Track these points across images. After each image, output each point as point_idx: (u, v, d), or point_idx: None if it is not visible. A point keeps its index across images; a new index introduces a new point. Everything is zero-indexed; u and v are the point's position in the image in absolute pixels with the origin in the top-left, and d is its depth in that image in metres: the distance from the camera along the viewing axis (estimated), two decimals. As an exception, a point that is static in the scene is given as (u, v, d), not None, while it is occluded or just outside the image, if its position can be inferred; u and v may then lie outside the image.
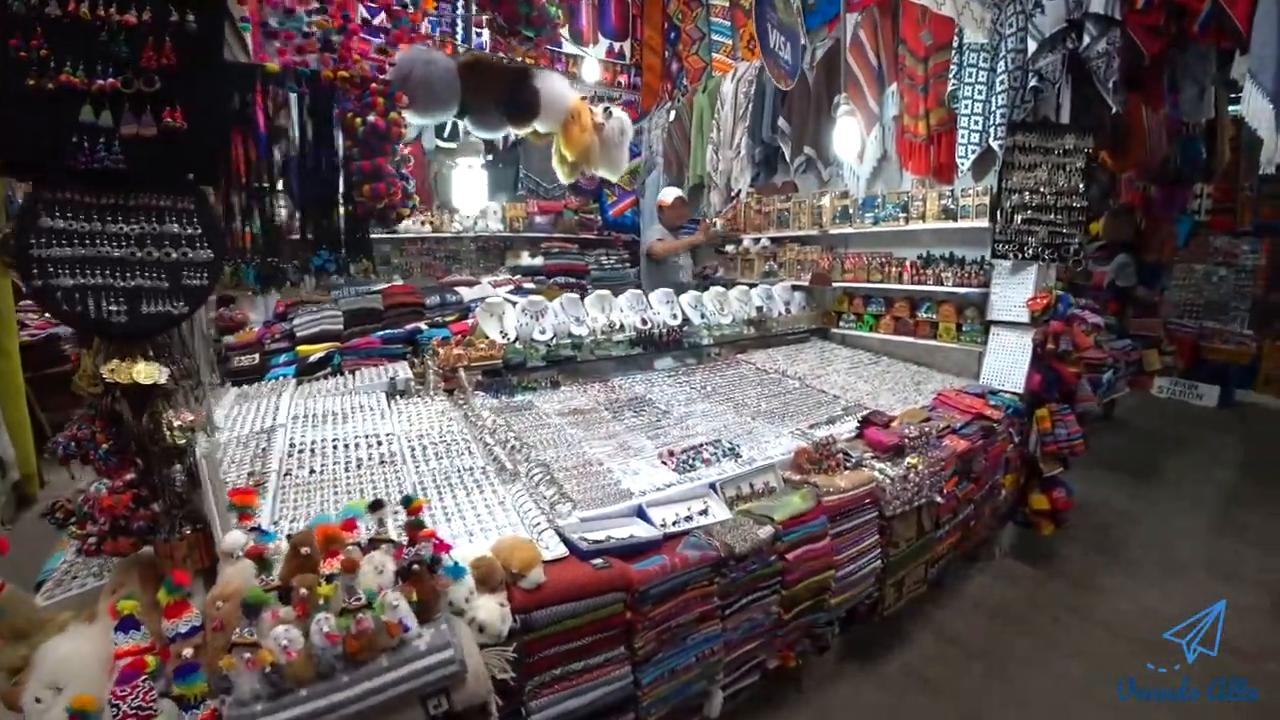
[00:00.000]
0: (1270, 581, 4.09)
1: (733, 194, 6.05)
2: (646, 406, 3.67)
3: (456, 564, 1.91)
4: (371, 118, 2.22)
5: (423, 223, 6.53)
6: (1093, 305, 6.83)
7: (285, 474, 2.53)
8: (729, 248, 6.06)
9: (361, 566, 1.73)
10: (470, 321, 4.07)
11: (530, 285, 6.09)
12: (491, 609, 1.91)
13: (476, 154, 6.95)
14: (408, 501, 2.00)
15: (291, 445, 2.75)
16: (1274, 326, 7.97)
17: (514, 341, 3.89)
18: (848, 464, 3.09)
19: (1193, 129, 6.03)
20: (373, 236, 2.35)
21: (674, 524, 2.53)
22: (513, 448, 2.85)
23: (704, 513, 2.65)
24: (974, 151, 4.04)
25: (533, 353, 3.90)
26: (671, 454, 2.99)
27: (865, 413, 3.56)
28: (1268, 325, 8.02)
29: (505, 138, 6.85)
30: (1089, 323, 6.41)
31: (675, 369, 4.34)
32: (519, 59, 3.00)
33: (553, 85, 2.96)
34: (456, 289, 5.31)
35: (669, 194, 6.08)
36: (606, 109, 3.17)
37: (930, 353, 4.66)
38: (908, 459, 3.15)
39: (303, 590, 1.64)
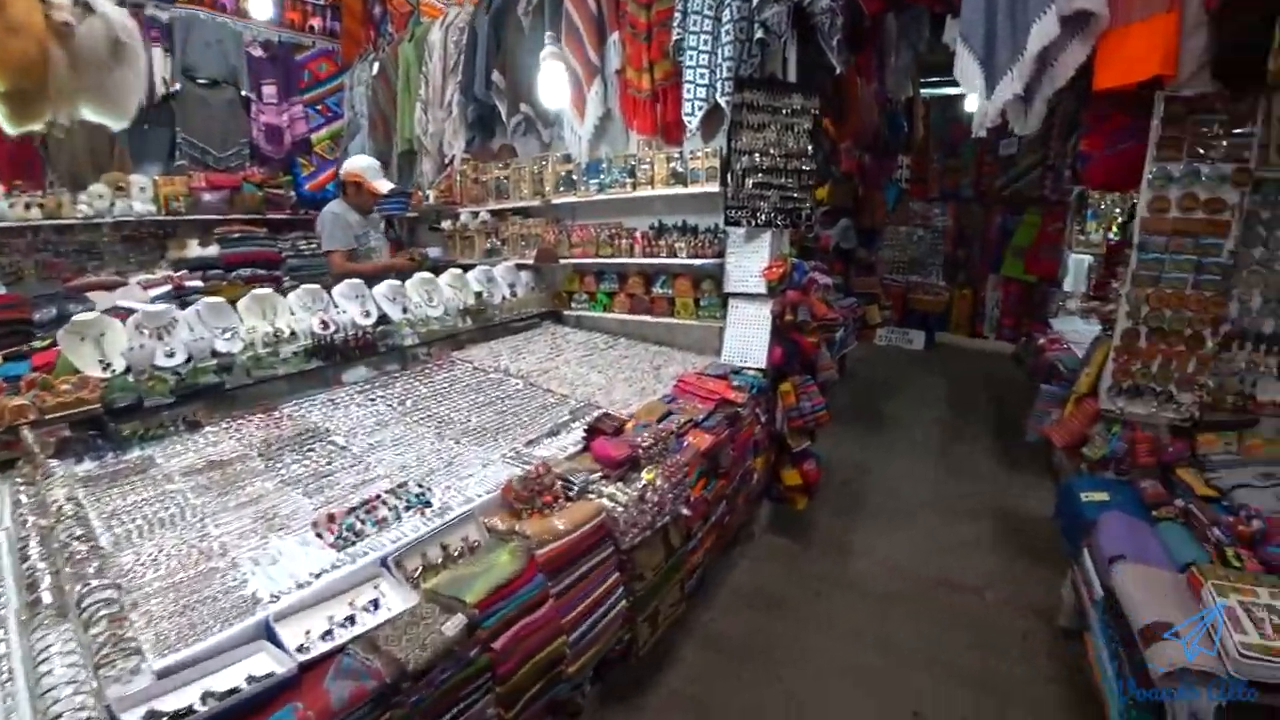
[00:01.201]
0: (974, 509, 4.49)
1: (446, 161, 5.13)
2: (319, 443, 2.72)
3: None
4: None
5: (28, 206, 4.77)
6: (821, 267, 6.97)
7: None
8: (444, 224, 5.15)
9: None
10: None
11: (197, 283, 4.71)
12: None
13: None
14: None
15: None
16: (959, 278, 8.97)
17: (123, 374, 2.72)
18: (569, 493, 2.44)
19: (896, 105, 6.32)
20: None
21: (321, 639, 1.69)
22: (71, 558, 1.80)
23: (373, 606, 1.84)
24: (700, 108, 3.56)
25: (155, 387, 2.74)
26: (332, 520, 2.12)
27: (595, 415, 2.95)
28: (955, 277, 9.02)
29: (151, 88, 5.27)
30: (821, 284, 6.51)
31: (370, 381, 3.39)
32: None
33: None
34: (89, 294, 4.04)
35: (356, 164, 4.42)
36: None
37: (671, 331, 4.21)
38: (643, 475, 2.58)
39: None
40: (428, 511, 2.28)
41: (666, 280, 4.09)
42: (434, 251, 5.45)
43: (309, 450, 2.68)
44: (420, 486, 2.43)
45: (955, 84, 8.34)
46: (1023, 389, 6.76)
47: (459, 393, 3.37)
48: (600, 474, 2.58)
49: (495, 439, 2.92)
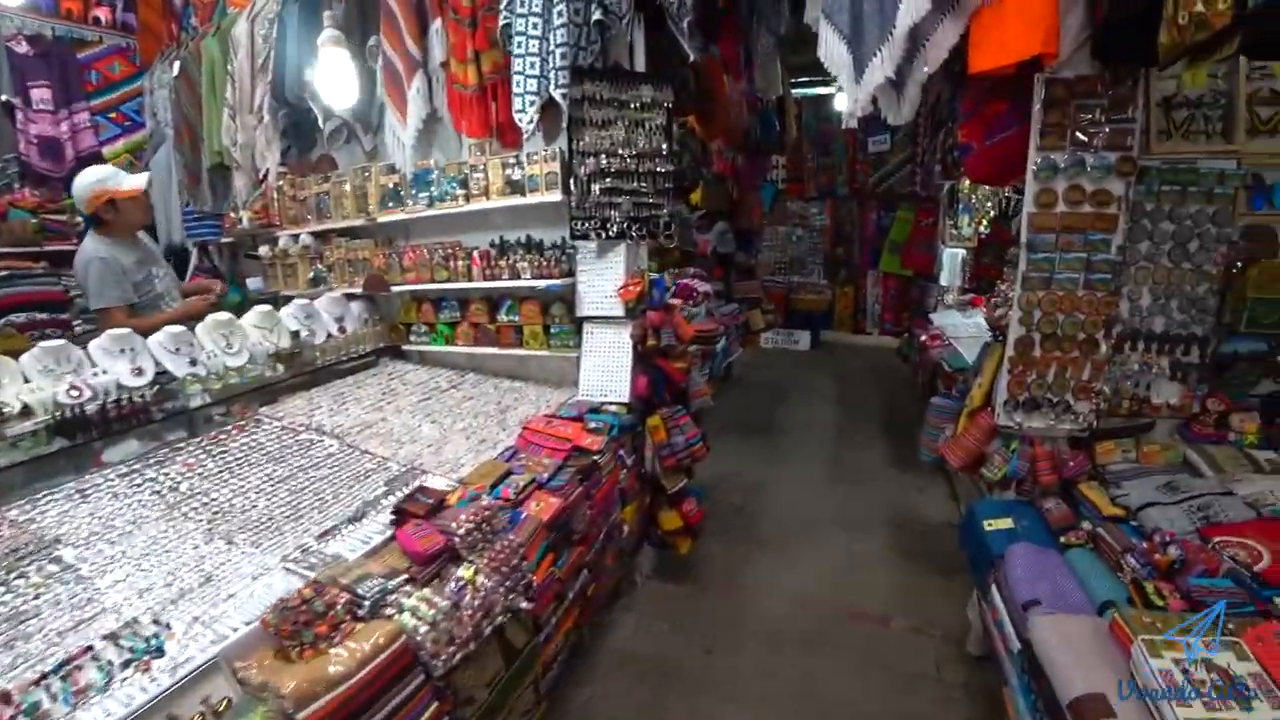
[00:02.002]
0: (874, 519, 4.24)
1: (260, 176, 4.30)
2: (37, 562, 1.92)
3: None
4: None
5: None
6: (701, 273, 6.56)
7: None
8: (262, 250, 4.32)
9: None
10: None
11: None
12: None
13: None
14: None
15: None
16: (840, 276, 8.84)
17: None
18: (359, 611, 1.79)
19: (767, 104, 6.01)
20: None
21: None
22: None
23: None
24: (532, 103, 2.95)
25: None
26: (8, 700, 1.38)
27: (410, 490, 2.29)
28: (836, 275, 8.87)
29: None
30: (700, 291, 6.08)
31: (142, 459, 2.57)
32: None
33: None
34: None
35: (90, 179, 3.24)
36: None
37: (524, 363, 3.59)
38: (460, 571, 1.95)
39: None
40: (158, 665, 1.58)
41: (512, 306, 3.46)
42: (254, 283, 4.60)
43: (18, 576, 1.90)
44: (157, 624, 1.72)
45: (826, 84, 8.28)
46: (909, 383, 6.72)
47: (253, 465, 2.63)
48: (405, 575, 1.93)
49: (281, 532, 2.22)
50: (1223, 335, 2.74)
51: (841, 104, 8.07)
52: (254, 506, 2.36)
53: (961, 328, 5.79)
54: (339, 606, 1.77)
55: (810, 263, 8.91)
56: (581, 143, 3.00)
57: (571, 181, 3.03)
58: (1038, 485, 2.71)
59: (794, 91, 7.65)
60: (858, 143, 8.28)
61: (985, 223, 6.01)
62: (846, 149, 8.41)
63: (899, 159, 8.11)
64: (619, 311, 3.14)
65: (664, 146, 3.04)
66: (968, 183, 6.01)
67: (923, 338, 5.98)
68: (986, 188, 5.65)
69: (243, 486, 2.48)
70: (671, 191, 3.10)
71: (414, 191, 3.58)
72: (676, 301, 5.46)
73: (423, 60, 3.46)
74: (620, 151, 3.00)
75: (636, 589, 3.54)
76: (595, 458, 2.70)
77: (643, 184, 3.04)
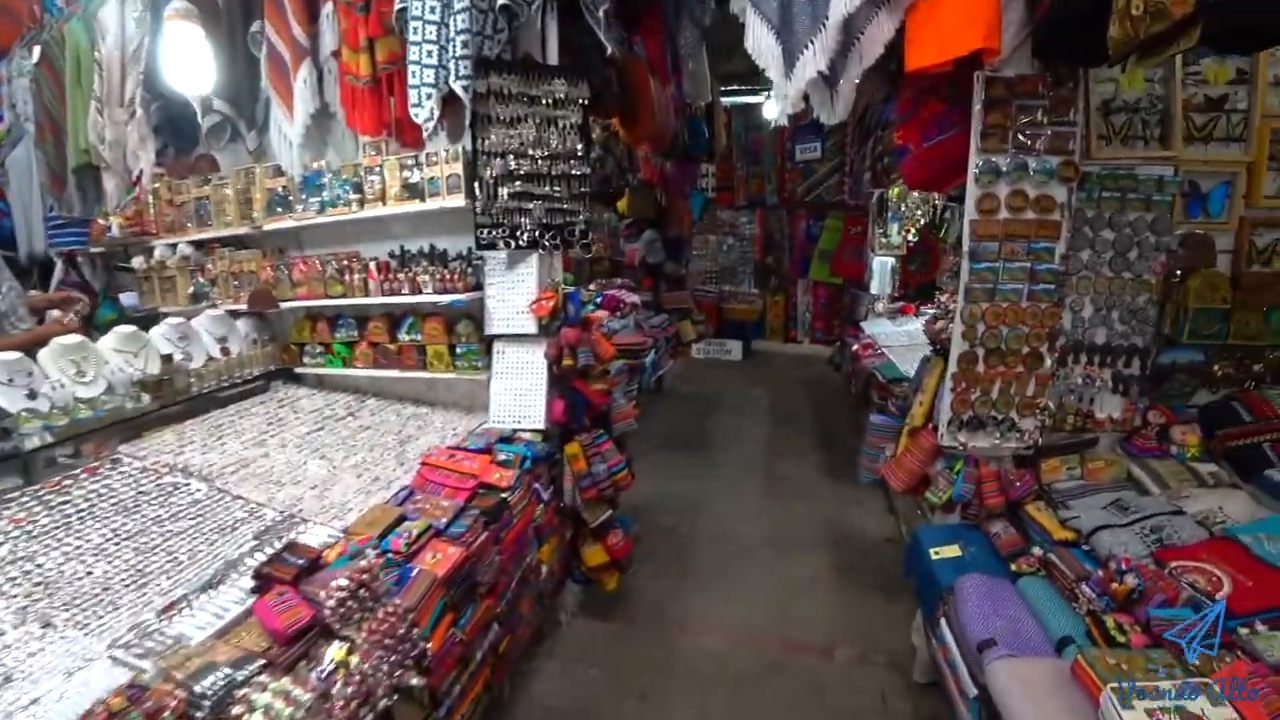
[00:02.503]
0: (812, 538, 4.01)
1: (133, 177, 3.78)
2: None
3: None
4: None
5: None
6: (629, 284, 6.29)
7: None
8: (135, 261, 3.80)
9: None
10: None
11: None
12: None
13: None
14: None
15: None
16: (771, 285, 8.73)
17: None
18: (198, 715, 1.40)
19: (696, 110, 5.81)
20: None
21: None
22: None
23: None
24: (430, 96, 2.59)
25: None
26: None
27: (280, 547, 1.90)
28: (767, 284, 8.78)
29: None
30: (627, 302, 5.79)
31: None
32: None
33: None
34: None
35: None
36: None
37: (432, 386, 3.21)
38: (331, 652, 1.59)
39: None
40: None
41: (414, 323, 3.07)
42: (129, 298, 4.06)
43: None
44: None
45: (755, 92, 8.16)
46: (840, 392, 6.63)
47: (98, 517, 2.19)
48: (261, 661, 1.56)
49: (116, 606, 1.82)
50: (1161, 346, 2.63)
51: (771, 111, 7.98)
52: (89, 573, 1.94)
53: (893, 336, 5.70)
54: (168, 714, 1.39)
55: (741, 272, 8.76)
56: (487, 142, 2.66)
57: (476, 185, 2.69)
58: (984, 508, 2.52)
59: (724, 100, 7.54)
60: (786, 152, 8.18)
61: (914, 231, 5.95)
62: (775, 158, 8.31)
63: (827, 168, 8.05)
64: (532, 329, 2.81)
65: (579, 147, 2.74)
66: (896, 191, 5.94)
67: (855, 347, 5.85)
68: (916, 195, 5.58)
69: (79, 547, 2.04)
70: (588, 196, 2.79)
71: (304, 196, 3.16)
72: (600, 314, 5.20)
73: (311, 48, 3.06)
74: (531, 152, 2.68)
75: (561, 630, 3.21)
76: (504, 495, 2.36)
77: (556, 188, 2.72)
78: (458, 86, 2.54)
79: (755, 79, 8.49)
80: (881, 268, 6.64)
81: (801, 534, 4.07)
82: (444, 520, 2.12)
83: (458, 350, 2.99)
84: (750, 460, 5.26)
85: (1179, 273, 2.52)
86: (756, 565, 3.72)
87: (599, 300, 5.74)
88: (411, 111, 2.61)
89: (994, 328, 2.38)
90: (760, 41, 2.29)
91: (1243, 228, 2.57)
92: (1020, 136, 2.26)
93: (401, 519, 2.12)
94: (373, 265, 3.00)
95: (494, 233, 2.68)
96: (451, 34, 2.56)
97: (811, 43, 2.22)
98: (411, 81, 2.61)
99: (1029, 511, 2.49)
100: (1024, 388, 2.48)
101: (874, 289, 6.59)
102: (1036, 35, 2.21)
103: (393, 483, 2.45)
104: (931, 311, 2.70)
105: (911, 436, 2.75)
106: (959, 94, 2.40)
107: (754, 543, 3.96)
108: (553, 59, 2.79)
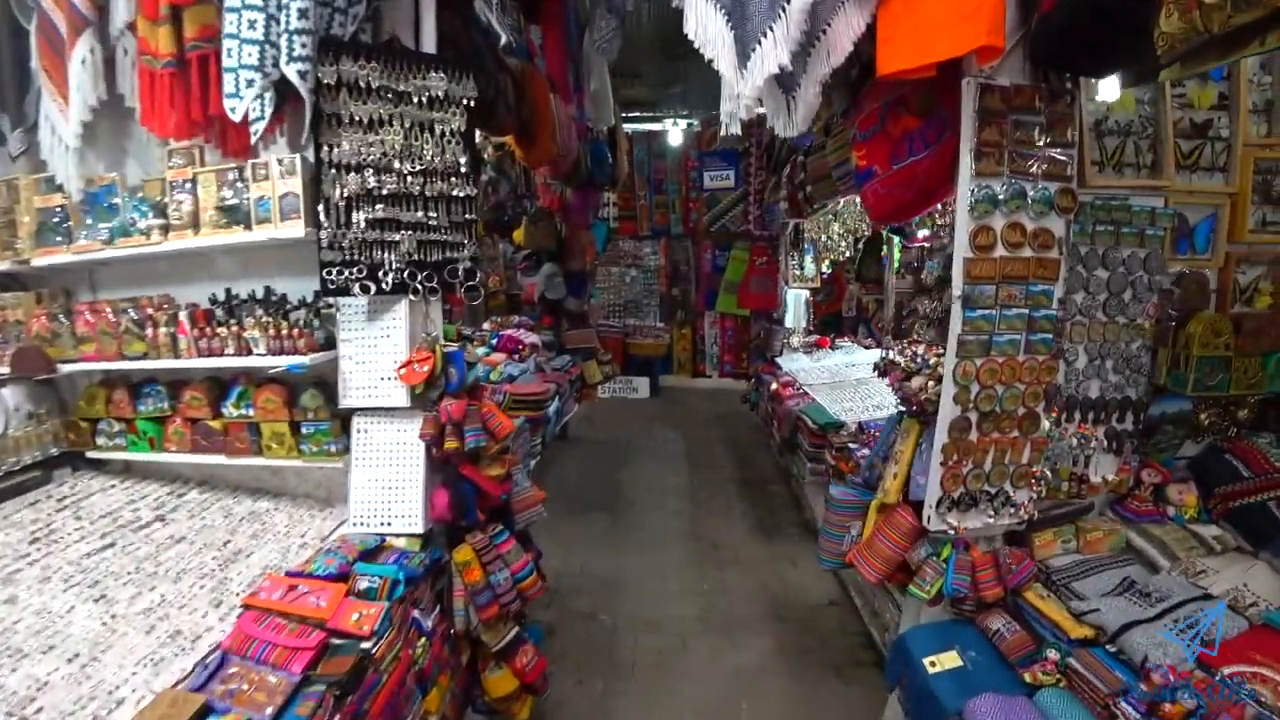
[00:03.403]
0: (752, 615, 3.48)
1: None
2: None
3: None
4: None
5: None
6: (527, 322, 5.61)
7: None
8: None
9: None
10: None
11: None
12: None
13: None
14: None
15: None
16: (677, 317, 8.31)
17: None
18: None
19: (598, 135, 5.27)
20: None
21: None
22: None
23: None
24: (251, 83, 1.86)
25: None
26: None
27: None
28: (673, 317, 8.36)
29: None
30: (527, 344, 5.11)
31: None
32: None
33: None
34: None
35: None
36: None
37: (278, 474, 2.41)
38: None
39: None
40: None
41: (244, 393, 2.27)
42: None
43: None
44: None
45: (658, 119, 7.77)
46: (758, 430, 6.21)
47: None
48: None
49: None
50: (1152, 397, 2.29)
51: (677, 138, 7.61)
52: None
53: (813, 373, 5.33)
54: None
55: (646, 305, 8.28)
56: (337, 150, 1.96)
57: (322, 208, 1.98)
58: (981, 600, 2.05)
59: (626, 126, 7.13)
60: (691, 180, 7.85)
61: (828, 263, 5.65)
62: (680, 186, 7.96)
63: (731, 198, 7.76)
64: (402, 400, 2.10)
65: (463, 161, 2.09)
66: (808, 222, 5.62)
67: (773, 385, 5.44)
68: (837, 228, 5.26)
69: None
70: (475, 225, 2.13)
71: (88, 220, 2.31)
72: (496, 358, 4.50)
73: (97, 18, 2.25)
74: (398, 165, 2.00)
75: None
76: (367, 647, 1.63)
77: (432, 213, 2.06)
78: (292, 71, 1.84)
79: (657, 105, 8.23)
80: (795, 300, 6.31)
81: (739, 609, 3.51)
82: (269, 712, 1.38)
83: (303, 429, 2.22)
84: (671, 520, 4.68)
85: (1172, 315, 2.19)
86: (696, 656, 3.12)
87: (494, 342, 5.03)
88: (226, 105, 1.87)
89: (989, 387, 1.92)
90: (707, 24, 1.75)
91: (1228, 264, 2.28)
92: (1017, 158, 1.83)
93: (208, 710, 1.36)
94: (184, 316, 2.19)
95: (347, 273, 1.97)
96: (284, 1, 1.86)
97: (770, 30, 1.70)
98: (227, 63, 1.88)
99: (1031, 600, 2.05)
100: (1019, 454, 2.04)
101: (788, 322, 6.24)
102: (1033, 38, 1.81)
103: (201, 637, 1.66)
104: (897, 360, 2.22)
105: (884, 514, 2.25)
106: (936, 107, 1.96)
107: (689, 626, 3.35)
108: (429, 46, 2.13)
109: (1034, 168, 1.83)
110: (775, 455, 5.46)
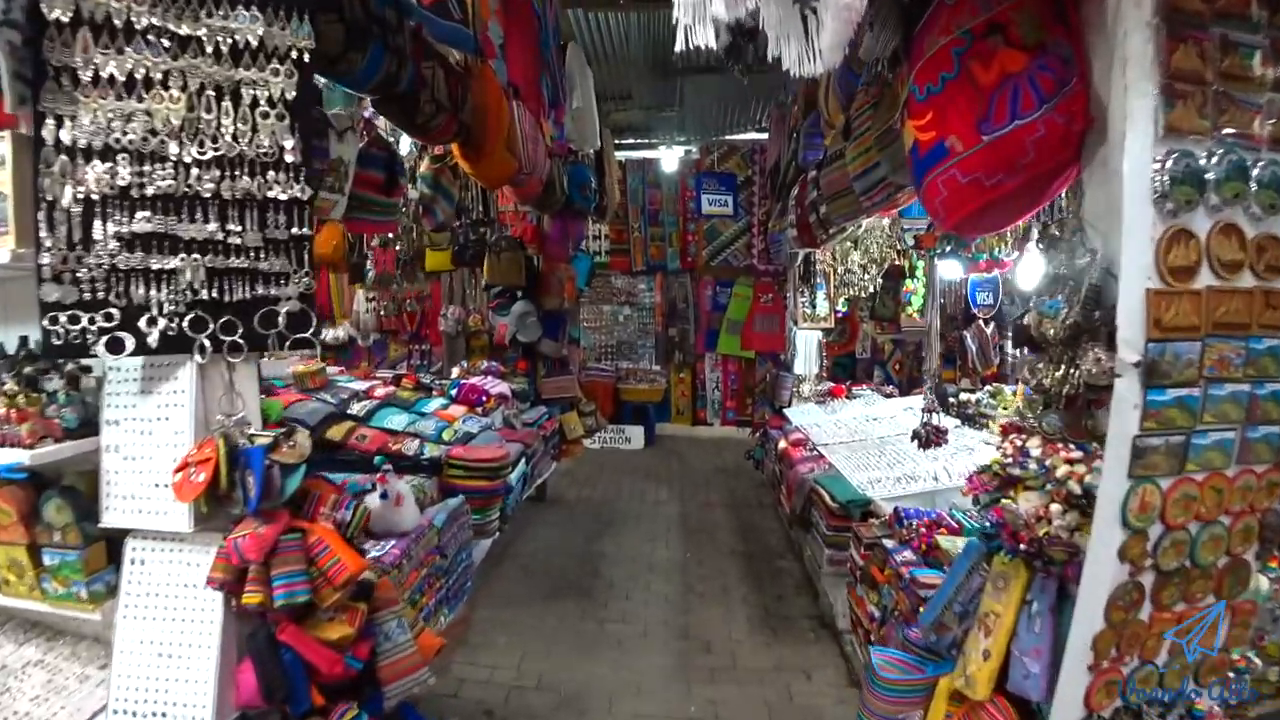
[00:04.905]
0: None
1: None
2: None
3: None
4: None
5: None
6: (495, 368, 4.77)
7: None
8: None
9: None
10: None
11: None
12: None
13: None
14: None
15: None
16: (675, 359, 7.52)
17: None
18: None
19: (581, 157, 4.70)
20: None
21: None
22: None
23: None
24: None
25: None
26: None
27: None
28: (670, 359, 7.58)
29: None
30: (492, 395, 4.25)
31: None
32: None
33: None
34: None
35: None
36: None
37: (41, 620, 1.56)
38: None
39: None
40: None
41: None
42: None
43: None
44: None
45: (652, 146, 7.02)
46: (763, 489, 5.33)
47: None
48: None
49: None
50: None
51: (671, 164, 6.86)
52: None
53: (827, 429, 4.46)
54: None
55: (641, 346, 7.47)
56: (73, 125, 1.17)
57: (44, 216, 1.17)
58: None
59: (618, 154, 6.42)
60: (689, 210, 7.09)
61: (843, 301, 4.84)
62: (678, 218, 7.21)
63: (734, 229, 7.01)
64: (182, 523, 1.26)
65: (287, 145, 1.28)
66: (822, 252, 4.81)
67: (781, 443, 4.58)
68: (857, 256, 4.40)
69: None
70: (305, 245, 1.31)
71: None
72: (454, 411, 3.63)
73: None
74: (175, 151, 1.20)
75: None
76: None
77: (234, 225, 1.24)
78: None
79: (651, 130, 7.50)
80: (805, 343, 5.47)
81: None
82: None
83: (46, 556, 1.37)
84: (656, 608, 3.75)
85: None
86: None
87: (453, 393, 4.15)
88: None
89: (1178, 528, 1.06)
90: None
91: None
92: (1230, 106, 1.00)
93: None
94: None
95: (84, 319, 1.15)
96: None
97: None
98: None
99: None
100: (1211, 635, 1.17)
101: (798, 368, 5.40)
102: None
103: None
104: (993, 466, 1.35)
105: (963, 705, 1.37)
106: (1052, 38, 1.14)
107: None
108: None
109: (1258, 126, 1.00)
110: (784, 524, 4.56)
